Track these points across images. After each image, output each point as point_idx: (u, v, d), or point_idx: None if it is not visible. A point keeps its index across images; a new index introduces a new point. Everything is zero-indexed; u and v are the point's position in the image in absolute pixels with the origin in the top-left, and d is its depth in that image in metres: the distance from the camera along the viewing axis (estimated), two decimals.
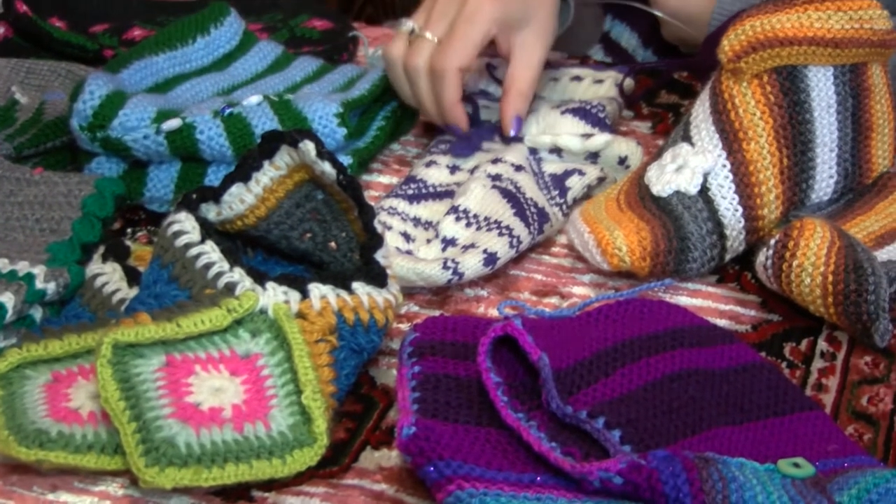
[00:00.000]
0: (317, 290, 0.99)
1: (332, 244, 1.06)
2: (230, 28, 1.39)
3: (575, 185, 1.24)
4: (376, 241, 1.03)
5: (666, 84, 1.48)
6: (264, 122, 1.23)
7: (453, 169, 1.26)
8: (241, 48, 1.39)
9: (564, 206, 1.23)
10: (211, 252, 1.00)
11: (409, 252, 1.15)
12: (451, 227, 1.16)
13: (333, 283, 1.00)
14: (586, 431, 0.90)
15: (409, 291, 1.12)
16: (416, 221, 1.19)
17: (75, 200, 1.12)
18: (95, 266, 1.08)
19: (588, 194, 1.26)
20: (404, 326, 1.09)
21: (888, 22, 1.17)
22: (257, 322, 0.97)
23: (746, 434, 0.93)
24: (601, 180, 1.26)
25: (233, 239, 1.06)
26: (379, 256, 1.02)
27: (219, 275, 0.98)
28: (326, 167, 1.03)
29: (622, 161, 1.28)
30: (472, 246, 1.13)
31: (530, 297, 1.14)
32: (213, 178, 1.23)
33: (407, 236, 1.17)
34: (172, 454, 0.89)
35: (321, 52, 1.47)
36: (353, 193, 1.04)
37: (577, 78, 1.42)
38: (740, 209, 1.15)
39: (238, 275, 0.99)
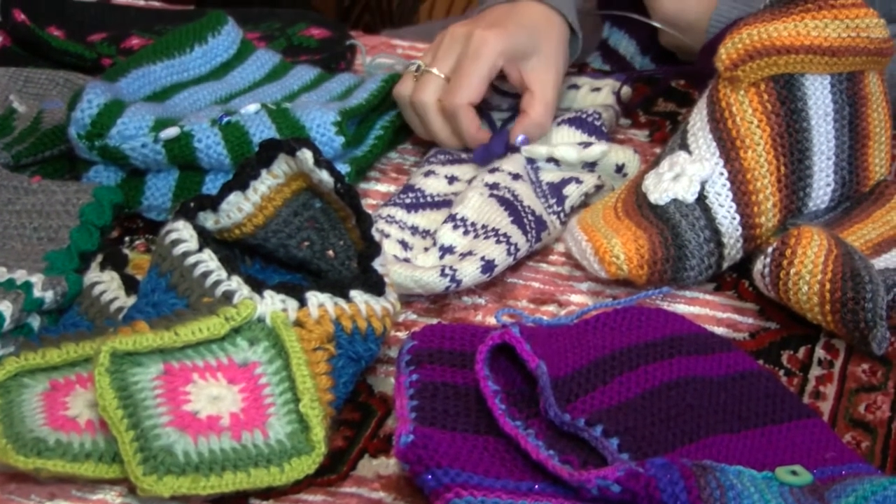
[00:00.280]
0: (314, 298, 0.99)
1: (330, 252, 1.06)
2: (228, 37, 1.39)
3: (572, 193, 1.25)
4: (374, 249, 1.03)
5: (663, 92, 1.48)
6: (262, 130, 1.23)
7: (451, 179, 1.26)
8: (239, 57, 1.39)
9: (562, 215, 1.23)
10: (209, 260, 1.00)
11: (406, 260, 1.15)
12: (448, 235, 1.16)
13: (331, 291, 1.00)
14: (584, 439, 0.90)
15: (407, 299, 1.12)
16: (414, 230, 1.19)
17: (73, 209, 1.12)
18: (93, 274, 1.08)
19: (586, 202, 1.26)
20: (402, 334, 1.09)
21: (885, 30, 1.17)
22: (255, 330, 0.98)
23: (744, 442, 0.93)
24: (599, 188, 1.26)
25: (231, 247, 1.06)
26: (377, 264, 1.02)
27: (217, 283, 0.99)
28: (324, 176, 1.03)
29: (620, 169, 1.28)
30: (470, 254, 1.13)
31: (528, 305, 1.14)
32: (211, 186, 1.23)
33: (405, 244, 1.17)
34: (170, 462, 0.89)
35: (319, 60, 1.47)
36: (351, 202, 1.04)
37: (575, 86, 1.42)
38: (738, 217, 1.15)
39: (236, 283, 0.99)
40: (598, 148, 1.27)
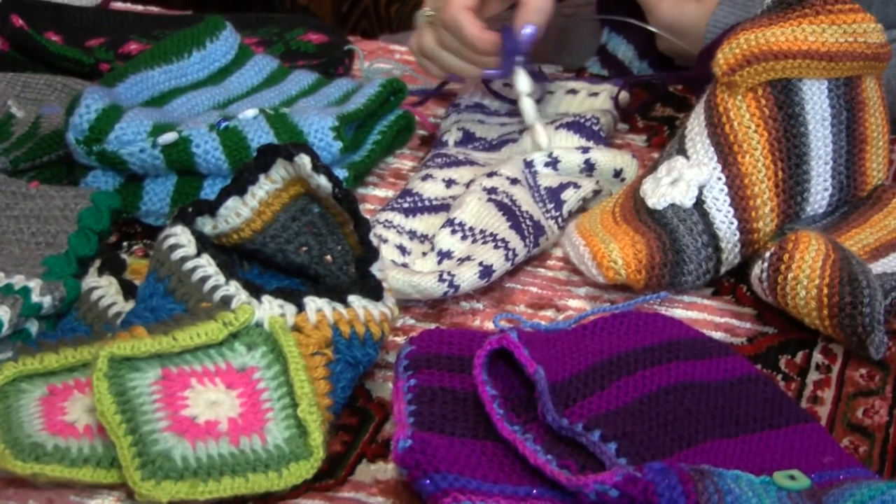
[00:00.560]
0: (313, 303, 0.99)
1: (328, 257, 1.06)
2: (226, 42, 1.39)
3: (570, 197, 1.25)
4: (372, 254, 1.03)
5: (661, 97, 1.48)
6: (260, 135, 1.23)
7: (449, 183, 1.26)
8: (237, 62, 1.39)
9: (560, 219, 1.23)
10: (207, 265, 1.00)
11: (404, 265, 1.15)
12: (446, 240, 1.16)
13: (329, 296, 1.00)
14: (582, 444, 0.90)
15: (405, 304, 1.12)
16: (412, 234, 1.19)
17: (71, 214, 1.12)
18: (91, 279, 1.08)
19: (583, 207, 1.26)
20: (400, 339, 1.09)
21: (882, 35, 1.17)
22: (253, 335, 0.98)
23: (742, 446, 0.93)
24: (597, 193, 1.26)
25: (229, 252, 1.06)
26: (375, 269, 1.02)
27: (215, 288, 0.99)
28: (322, 181, 1.03)
29: (618, 174, 1.28)
30: (468, 259, 1.13)
31: (526, 310, 1.14)
32: (209, 191, 1.23)
33: (403, 249, 1.17)
34: (168, 467, 0.89)
35: (317, 65, 1.47)
36: (349, 207, 1.04)
37: (573, 91, 1.42)
38: (735, 222, 1.15)
39: (234, 288, 0.99)
40: (596, 154, 1.27)
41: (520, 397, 0.95)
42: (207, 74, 1.37)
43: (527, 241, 1.17)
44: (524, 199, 1.21)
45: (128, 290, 1.06)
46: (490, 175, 1.24)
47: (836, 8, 1.15)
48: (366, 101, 1.32)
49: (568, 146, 1.30)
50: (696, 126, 1.18)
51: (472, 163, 1.29)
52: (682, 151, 1.18)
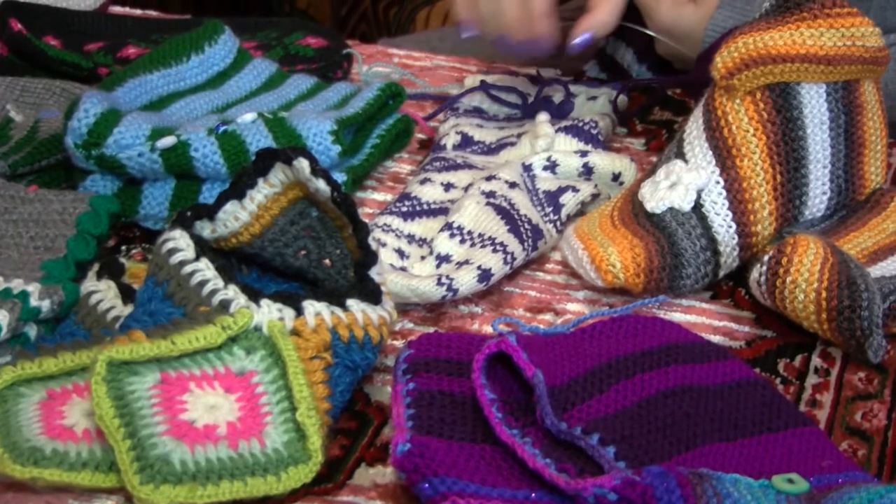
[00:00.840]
0: (311, 307, 0.99)
1: (327, 261, 1.06)
2: (224, 46, 1.39)
3: (569, 201, 1.25)
4: (370, 258, 1.03)
5: (660, 101, 1.48)
6: (259, 139, 1.23)
7: (447, 186, 1.26)
8: (236, 66, 1.40)
9: (558, 223, 1.23)
10: (205, 269, 1.00)
11: (403, 269, 1.15)
12: (445, 244, 1.16)
13: (328, 300, 1.00)
14: (581, 448, 0.90)
15: (404, 308, 1.12)
16: (411, 238, 1.20)
17: (70, 218, 1.12)
18: (90, 283, 1.08)
19: (582, 211, 1.26)
20: (399, 343, 1.09)
21: (880, 39, 1.17)
22: (252, 339, 0.98)
23: (741, 450, 0.93)
24: (595, 197, 1.26)
25: (227, 256, 1.06)
26: (373, 273, 1.02)
27: (213, 292, 0.99)
28: (321, 184, 1.03)
29: (616, 177, 1.28)
30: (467, 262, 1.13)
31: (524, 314, 1.14)
32: (208, 195, 1.23)
33: (401, 253, 1.17)
34: (167, 471, 0.89)
35: (315, 69, 1.48)
36: (348, 210, 1.04)
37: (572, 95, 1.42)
38: (734, 226, 1.15)
39: (232, 292, 0.99)
40: (595, 157, 1.27)
41: (518, 401, 0.95)
42: (206, 78, 1.37)
43: (525, 244, 1.17)
44: (523, 203, 1.21)
45: (126, 294, 1.06)
46: (488, 179, 1.24)
47: (835, 12, 1.15)
48: (364, 104, 1.32)
49: (566, 150, 1.30)
50: (694, 130, 1.18)
51: (470, 166, 1.29)
52: (681, 155, 1.19)
